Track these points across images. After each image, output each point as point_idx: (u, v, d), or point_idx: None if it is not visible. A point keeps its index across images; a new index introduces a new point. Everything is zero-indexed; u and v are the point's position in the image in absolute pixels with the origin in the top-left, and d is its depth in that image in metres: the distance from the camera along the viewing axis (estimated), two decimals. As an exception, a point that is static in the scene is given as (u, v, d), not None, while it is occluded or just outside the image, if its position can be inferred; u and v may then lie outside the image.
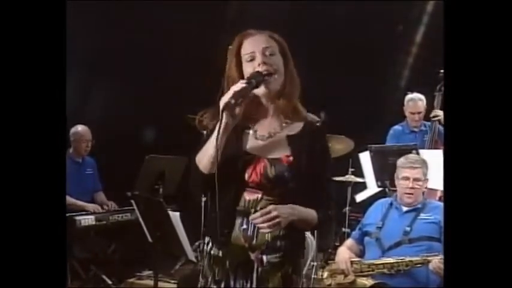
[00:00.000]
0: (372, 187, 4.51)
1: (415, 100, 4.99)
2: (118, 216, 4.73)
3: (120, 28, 5.46)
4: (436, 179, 3.56)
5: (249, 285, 1.91)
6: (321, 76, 5.70)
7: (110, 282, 4.54)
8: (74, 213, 4.43)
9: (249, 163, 1.90)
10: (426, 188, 3.48)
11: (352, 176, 5.06)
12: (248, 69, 1.91)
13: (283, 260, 1.91)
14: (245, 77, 1.91)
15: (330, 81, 5.79)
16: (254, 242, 1.89)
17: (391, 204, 3.47)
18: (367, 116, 5.87)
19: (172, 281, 4.46)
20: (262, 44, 1.91)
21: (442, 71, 4.45)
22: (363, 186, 4.82)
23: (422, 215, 3.31)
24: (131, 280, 4.61)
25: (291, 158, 1.89)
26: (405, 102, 5.04)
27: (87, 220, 4.50)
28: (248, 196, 1.90)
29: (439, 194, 4.04)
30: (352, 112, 5.73)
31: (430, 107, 4.89)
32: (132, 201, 3.55)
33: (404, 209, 3.39)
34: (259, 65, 1.88)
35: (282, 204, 1.84)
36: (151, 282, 4.02)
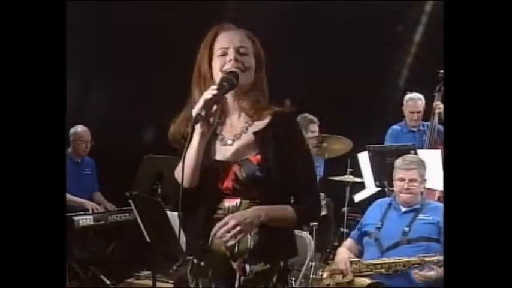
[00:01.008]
0: (371, 187, 4.51)
1: (415, 99, 4.99)
2: (116, 217, 4.72)
3: (120, 28, 5.46)
4: (434, 179, 3.55)
5: None
6: (321, 76, 5.71)
7: (108, 282, 4.53)
8: (72, 214, 4.43)
9: (221, 170, 1.83)
10: (424, 188, 3.47)
11: (351, 176, 5.06)
12: (217, 64, 1.82)
13: (267, 269, 1.81)
14: (213, 71, 1.83)
15: (329, 81, 5.79)
16: (235, 250, 1.81)
17: (390, 204, 3.46)
18: (366, 116, 5.87)
19: (171, 281, 4.44)
20: (237, 42, 1.81)
21: (441, 71, 4.46)
22: (361, 186, 4.82)
23: (421, 216, 3.31)
24: (130, 280, 4.60)
25: (259, 156, 1.81)
26: (404, 102, 5.04)
27: (86, 220, 4.50)
28: (228, 203, 1.84)
29: (437, 194, 4.03)
30: (351, 112, 5.73)
31: (429, 106, 4.90)
32: (131, 201, 3.55)
33: (403, 209, 3.38)
34: (230, 61, 1.79)
35: (264, 205, 1.78)
36: (149, 282, 4.03)
